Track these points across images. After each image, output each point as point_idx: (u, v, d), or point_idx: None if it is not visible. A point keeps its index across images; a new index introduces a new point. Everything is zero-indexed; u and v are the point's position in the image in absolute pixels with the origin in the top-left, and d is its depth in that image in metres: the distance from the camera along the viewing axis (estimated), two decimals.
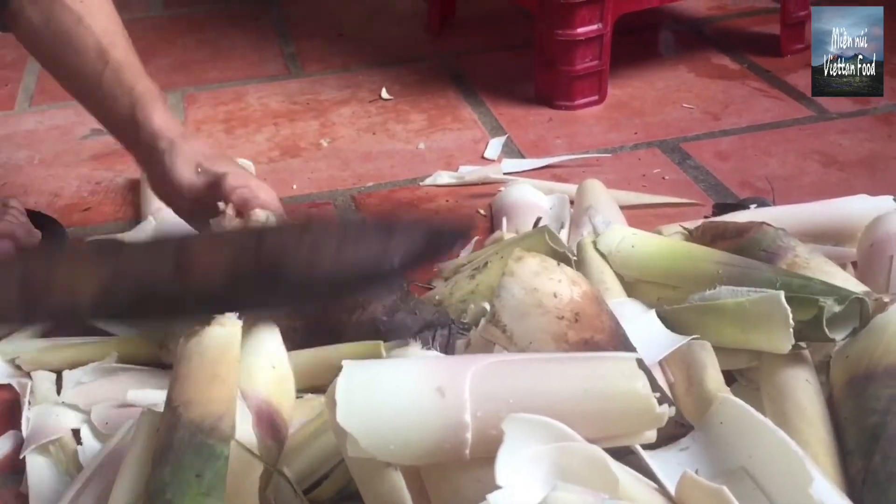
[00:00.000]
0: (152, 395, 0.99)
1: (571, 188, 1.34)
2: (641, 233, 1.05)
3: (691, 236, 1.10)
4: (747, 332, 0.89)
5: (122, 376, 1.04)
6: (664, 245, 1.03)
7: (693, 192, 1.39)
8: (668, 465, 0.74)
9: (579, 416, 0.67)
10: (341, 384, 0.68)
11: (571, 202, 1.30)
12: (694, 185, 1.41)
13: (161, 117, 1.09)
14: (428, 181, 1.45)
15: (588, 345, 0.81)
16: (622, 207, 1.26)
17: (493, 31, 2.04)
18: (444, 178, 1.45)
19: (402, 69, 1.87)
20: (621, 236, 1.04)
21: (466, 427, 0.66)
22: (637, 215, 1.29)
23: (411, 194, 1.42)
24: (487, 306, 0.92)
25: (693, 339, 0.91)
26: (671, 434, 0.77)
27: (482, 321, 0.88)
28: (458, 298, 1.05)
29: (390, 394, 0.68)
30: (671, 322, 0.94)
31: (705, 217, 1.22)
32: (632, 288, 1.02)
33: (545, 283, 0.84)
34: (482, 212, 1.36)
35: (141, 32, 1.99)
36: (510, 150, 1.55)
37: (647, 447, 0.73)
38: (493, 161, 1.51)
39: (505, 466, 0.62)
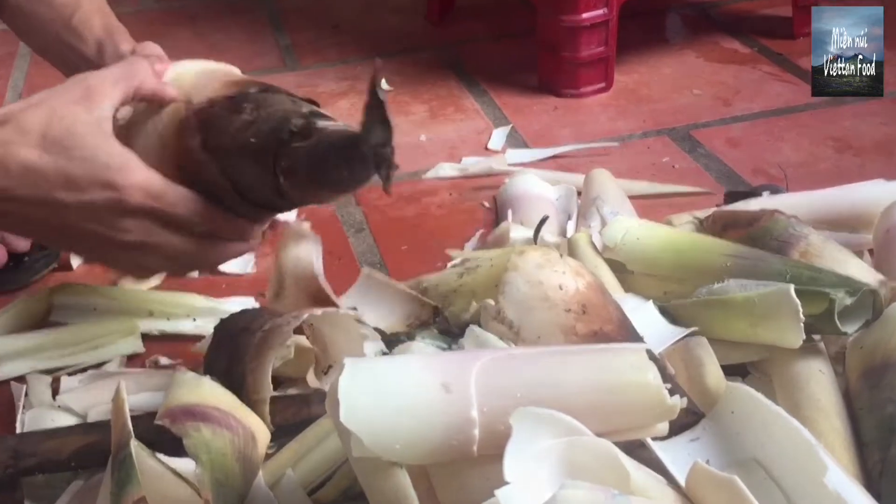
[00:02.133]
0: (149, 399, 1.00)
1: (578, 178, 1.34)
2: (647, 224, 1.06)
3: (702, 226, 1.11)
4: (756, 326, 0.89)
5: (119, 380, 1.05)
6: (670, 236, 1.03)
7: (704, 180, 1.40)
8: (679, 456, 0.74)
9: (588, 409, 0.67)
10: (343, 383, 0.68)
11: (579, 193, 1.31)
12: (705, 173, 1.42)
13: (129, 45, 1.10)
14: (430, 174, 1.46)
15: (597, 336, 0.81)
16: (631, 197, 1.27)
17: (494, 19, 2.05)
18: (446, 170, 1.46)
19: (402, 60, 1.88)
20: (626, 228, 1.04)
21: (473, 423, 0.66)
22: (647, 205, 1.29)
23: (413, 188, 1.43)
24: (492, 302, 0.93)
25: (692, 331, 0.91)
26: (682, 423, 0.77)
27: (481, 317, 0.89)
28: (441, 292, 1.06)
29: (394, 391, 0.68)
30: (678, 316, 0.95)
31: (717, 206, 1.22)
32: (637, 281, 1.02)
33: (549, 275, 0.85)
34: (486, 204, 1.37)
35: (133, 26, 1.99)
36: (515, 141, 1.55)
37: (657, 438, 0.73)
38: (497, 152, 1.52)
39: (513, 462, 0.62)
